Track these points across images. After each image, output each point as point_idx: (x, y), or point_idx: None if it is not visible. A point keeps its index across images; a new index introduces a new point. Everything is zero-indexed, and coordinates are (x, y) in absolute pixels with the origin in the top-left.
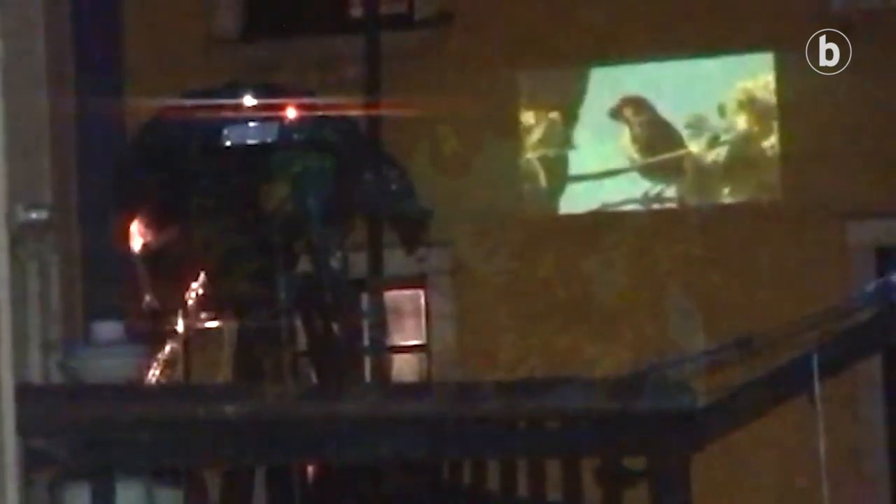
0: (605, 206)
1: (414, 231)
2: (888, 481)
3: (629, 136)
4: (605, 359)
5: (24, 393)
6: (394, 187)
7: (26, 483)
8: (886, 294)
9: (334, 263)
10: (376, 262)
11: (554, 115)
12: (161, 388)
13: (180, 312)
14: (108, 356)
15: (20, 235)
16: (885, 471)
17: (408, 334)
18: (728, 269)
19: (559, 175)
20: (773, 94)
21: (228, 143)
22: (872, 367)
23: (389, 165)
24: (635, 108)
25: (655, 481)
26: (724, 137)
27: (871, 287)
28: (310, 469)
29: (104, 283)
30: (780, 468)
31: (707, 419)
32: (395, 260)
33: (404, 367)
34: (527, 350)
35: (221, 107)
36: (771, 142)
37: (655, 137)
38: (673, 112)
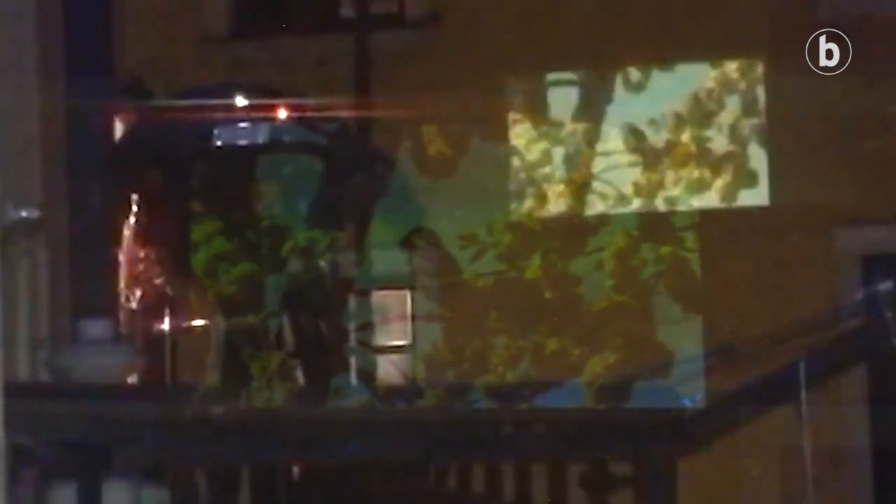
0: (592, 208)
1: (404, 230)
2: (871, 486)
3: (617, 137)
4: (593, 361)
5: (12, 390)
6: (385, 187)
7: (12, 480)
8: (874, 304)
9: (322, 264)
10: (364, 262)
11: (542, 117)
12: (148, 388)
13: (167, 311)
14: (95, 354)
15: (10, 233)
16: (868, 475)
17: (394, 335)
18: (713, 275)
19: (547, 177)
20: (760, 98)
21: (219, 143)
22: (857, 371)
23: (381, 164)
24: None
25: (641, 487)
26: (709, 142)
27: (858, 297)
28: (294, 468)
29: (93, 282)
30: (765, 471)
31: (693, 426)
32: (383, 260)
33: (390, 369)
34: (515, 352)
35: (212, 107)
36: (757, 148)
37: (640, 138)
38: (658, 113)
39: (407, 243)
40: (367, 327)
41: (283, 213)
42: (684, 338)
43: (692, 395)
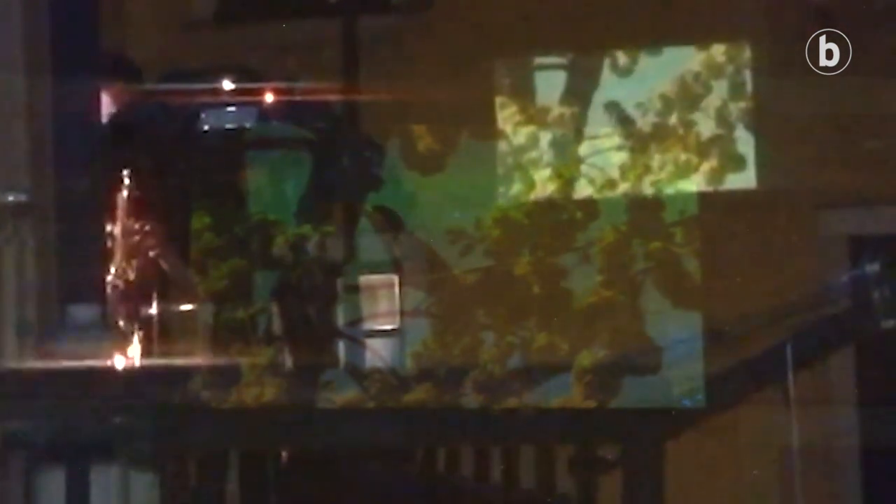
0: (580, 193)
1: (391, 215)
2: (858, 475)
3: (607, 128)
4: (581, 354)
5: (0, 376)
6: (373, 171)
7: (1, 467)
8: (860, 286)
9: (311, 249)
10: (352, 247)
11: (531, 102)
12: (137, 373)
13: (154, 295)
14: (84, 339)
15: None
16: (855, 464)
17: (381, 320)
18: (699, 258)
19: (536, 168)
20: (747, 82)
21: (206, 128)
22: (844, 357)
23: (369, 148)
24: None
25: (628, 470)
26: (696, 124)
27: (845, 279)
28: (283, 453)
29: (81, 266)
30: (751, 459)
31: (680, 409)
32: (370, 245)
33: (377, 354)
34: (503, 343)
35: (198, 91)
36: (743, 130)
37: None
38: (644, 100)
39: (400, 226)
40: (357, 322)
41: (273, 208)
42: (672, 327)
43: (693, 395)
